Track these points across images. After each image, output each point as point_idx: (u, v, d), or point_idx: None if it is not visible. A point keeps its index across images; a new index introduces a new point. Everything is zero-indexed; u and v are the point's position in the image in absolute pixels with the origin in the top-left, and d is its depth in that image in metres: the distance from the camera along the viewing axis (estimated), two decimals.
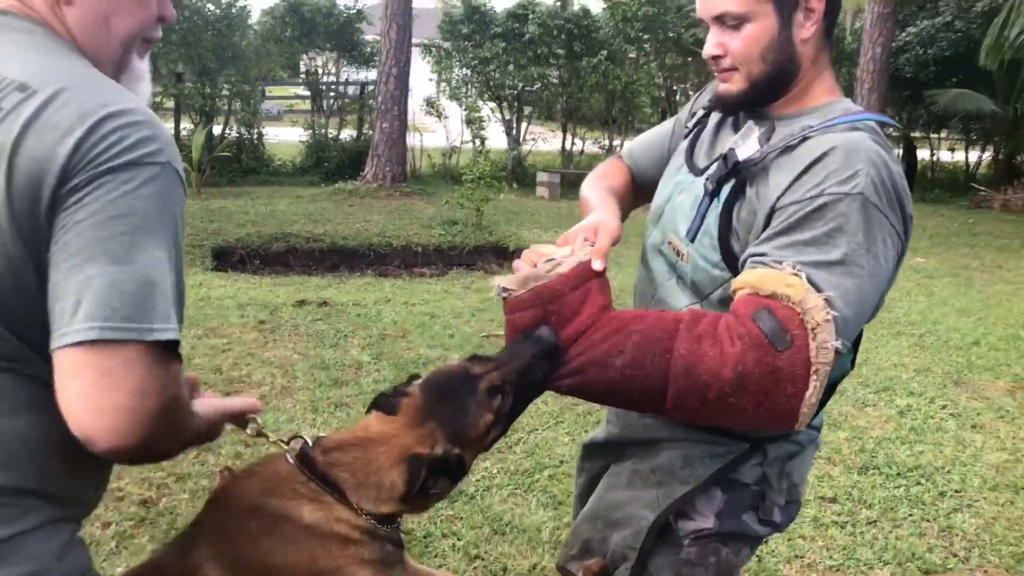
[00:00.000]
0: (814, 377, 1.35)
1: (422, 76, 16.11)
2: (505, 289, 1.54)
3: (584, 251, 1.54)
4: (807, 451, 1.76)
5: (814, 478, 4.00)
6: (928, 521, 3.67)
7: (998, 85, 14.88)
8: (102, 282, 1.06)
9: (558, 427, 4.52)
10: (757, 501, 1.69)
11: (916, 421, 4.80)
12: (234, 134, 15.69)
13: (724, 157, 1.61)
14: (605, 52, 15.79)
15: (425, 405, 1.52)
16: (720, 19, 1.57)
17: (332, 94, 17.24)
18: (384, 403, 1.59)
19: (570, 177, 15.17)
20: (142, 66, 1.35)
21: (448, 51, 16.39)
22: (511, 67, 16.20)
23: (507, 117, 16.70)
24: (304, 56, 16.79)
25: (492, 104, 16.53)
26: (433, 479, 1.46)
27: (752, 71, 1.58)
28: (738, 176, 1.58)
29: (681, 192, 1.72)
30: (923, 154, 18.56)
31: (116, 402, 1.06)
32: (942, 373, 5.69)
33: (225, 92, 15.53)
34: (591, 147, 17.49)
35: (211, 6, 14.81)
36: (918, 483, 4.02)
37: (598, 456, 1.95)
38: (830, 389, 1.62)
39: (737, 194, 1.58)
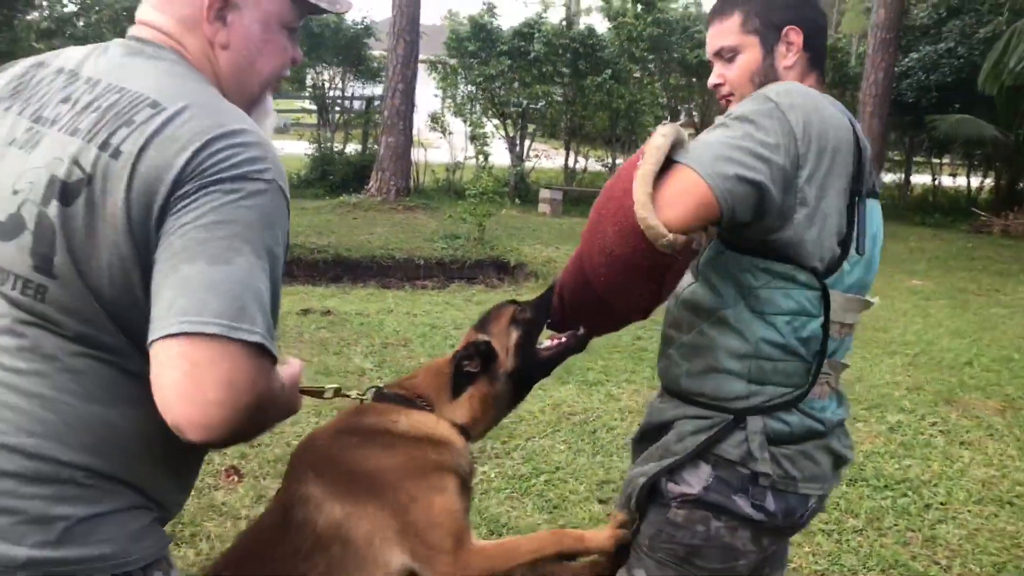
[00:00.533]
0: (640, 157, 1.54)
1: (428, 92, 16.31)
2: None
3: None
4: (807, 446, 1.77)
5: None
6: (913, 531, 3.76)
7: (1000, 111, 15.03)
8: (199, 280, 1.13)
9: (555, 435, 4.62)
10: (747, 484, 1.74)
11: (906, 437, 4.90)
12: None
13: None
14: (610, 71, 15.97)
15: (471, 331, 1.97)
16: (719, 54, 1.86)
17: (338, 108, 17.43)
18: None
19: (572, 194, 15.33)
20: (270, 102, 1.51)
21: (454, 68, 16.60)
22: (516, 84, 16.41)
23: (511, 134, 16.87)
24: (311, 70, 16.99)
25: (496, 121, 16.71)
26: (467, 360, 1.83)
27: (745, 94, 1.79)
28: None
29: None
30: (924, 179, 18.75)
31: (205, 393, 1.11)
32: (934, 392, 5.79)
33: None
34: (594, 165, 17.65)
35: None
36: (905, 495, 4.11)
37: (637, 448, 2.04)
38: (813, 360, 1.74)
39: None
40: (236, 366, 1.13)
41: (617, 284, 1.68)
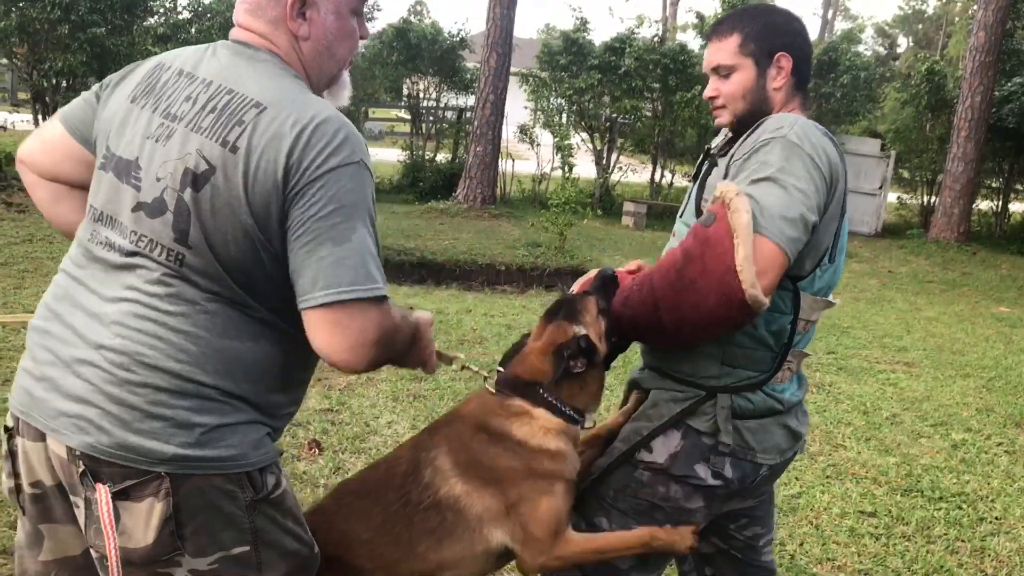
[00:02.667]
0: (736, 236, 1.74)
1: (518, 104, 16.63)
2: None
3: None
4: (767, 422, 2.02)
5: (856, 494, 4.21)
6: (962, 541, 3.84)
7: None
8: (331, 260, 1.49)
9: None
10: (709, 453, 2.00)
11: (968, 454, 4.93)
12: None
13: (704, 152, 2.18)
14: (700, 87, 16.02)
15: (543, 321, 2.11)
16: (716, 70, 2.10)
17: (431, 118, 17.90)
18: (511, 352, 2.15)
19: (657, 208, 15.43)
20: (347, 77, 1.83)
21: (545, 81, 16.87)
22: (605, 98, 16.59)
23: (598, 147, 17.07)
24: (407, 80, 17.51)
25: (584, 134, 16.93)
26: (573, 360, 1.97)
27: (736, 108, 2.07)
28: (710, 159, 2.12)
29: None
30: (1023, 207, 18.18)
31: (348, 342, 1.51)
32: (1004, 414, 5.77)
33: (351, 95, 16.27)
34: (680, 180, 17.71)
35: None
36: (959, 508, 4.18)
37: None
38: (779, 351, 2.01)
39: (710, 169, 2.09)
40: (365, 317, 1.52)
41: (695, 335, 1.93)
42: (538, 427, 1.95)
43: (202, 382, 1.54)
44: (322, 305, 1.49)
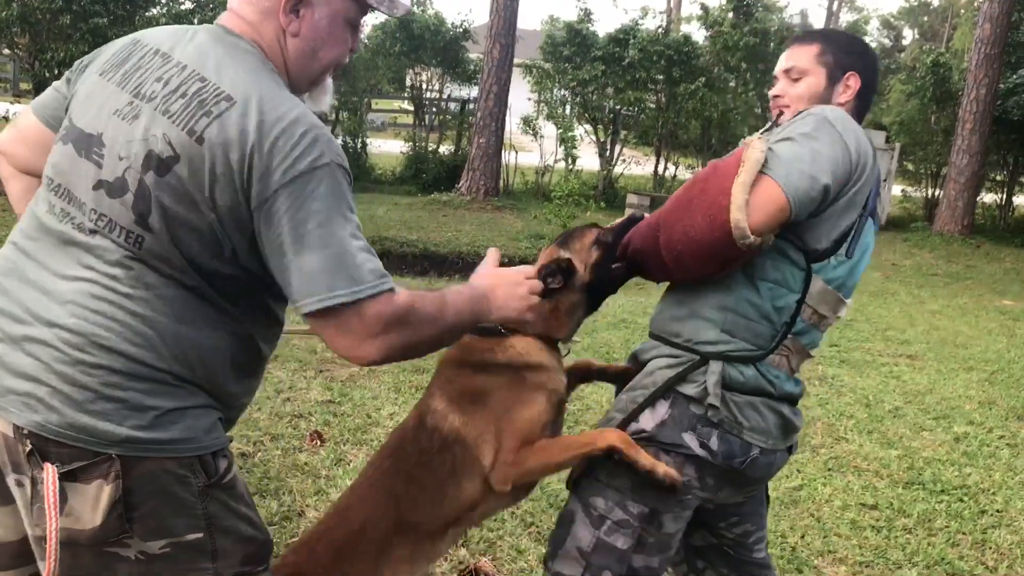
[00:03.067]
0: (743, 165, 1.84)
1: (521, 95, 16.60)
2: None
3: None
4: (757, 401, 2.03)
5: (858, 487, 4.21)
6: (963, 534, 3.84)
7: None
8: (314, 266, 1.49)
9: None
10: (696, 423, 2.01)
11: (971, 447, 4.93)
12: (340, 142, 16.47)
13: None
14: (703, 79, 15.99)
15: (546, 249, 2.24)
16: (788, 72, 2.19)
17: (434, 109, 17.88)
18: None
19: (660, 201, 15.37)
20: (330, 82, 1.81)
21: (548, 72, 16.84)
22: (609, 90, 16.56)
23: (601, 139, 17.04)
24: (410, 71, 17.49)
25: (588, 126, 16.90)
26: (552, 277, 2.07)
27: (798, 110, 2.12)
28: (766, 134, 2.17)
29: None
30: None
31: (352, 341, 1.53)
32: (1007, 407, 5.77)
33: (334, 102, 16.29)
34: (684, 173, 17.69)
35: None
36: (960, 500, 4.18)
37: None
38: (781, 328, 2.03)
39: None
40: (362, 315, 1.51)
41: (685, 259, 1.97)
42: (516, 348, 2.07)
43: (157, 367, 1.53)
44: (316, 312, 1.50)
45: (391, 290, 1.55)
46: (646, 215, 2.21)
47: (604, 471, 2.08)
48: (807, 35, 2.26)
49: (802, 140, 1.89)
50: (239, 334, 1.65)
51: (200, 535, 1.57)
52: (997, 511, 4.10)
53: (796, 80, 2.17)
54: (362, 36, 1.80)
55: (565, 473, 2.23)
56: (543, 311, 2.05)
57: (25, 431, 1.47)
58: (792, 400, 2.12)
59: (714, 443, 2.01)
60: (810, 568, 3.42)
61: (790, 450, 2.20)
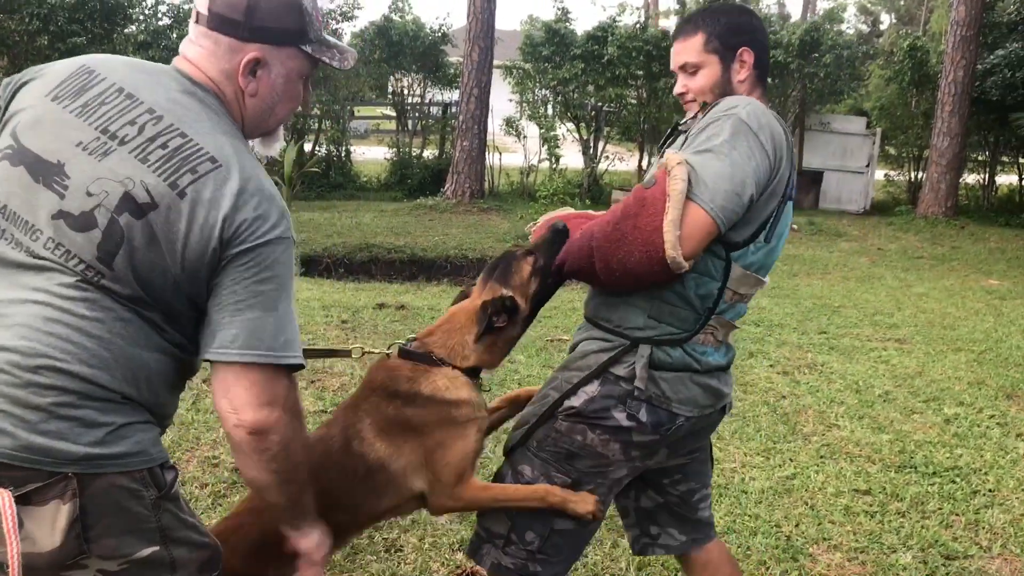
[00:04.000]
0: (669, 200, 1.89)
1: (503, 97, 16.62)
2: (531, 223, 2.48)
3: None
4: (683, 376, 2.13)
5: (850, 473, 4.24)
6: (957, 515, 3.87)
7: None
8: (257, 323, 1.58)
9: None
10: (625, 398, 2.12)
11: (961, 428, 4.97)
12: (323, 151, 16.48)
13: (672, 127, 2.34)
14: None
15: (484, 278, 2.28)
16: (683, 68, 2.23)
17: (416, 114, 17.88)
18: (461, 296, 2.35)
19: None
20: (281, 132, 1.91)
21: (528, 72, 16.85)
22: (590, 88, 16.59)
23: (584, 136, 17.07)
24: (391, 77, 17.48)
25: (570, 124, 16.93)
26: (496, 316, 2.15)
27: (706, 101, 2.18)
28: (675, 134, 2.28)
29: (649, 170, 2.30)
30: (1010, 179, 18.25)
31: (259, 400, 1.60)
32: (996, 387, 5.81)
33: (316, 111, 16.31)
34: None
35: None
36: (952, 482, 4.21)
37: None
38: (703, 313, 2.13)
39: (672, 142, 2.26)
40: (278, 381, 1.62)
41: (622, 282, 2.06)
42: (440, 383, 2.15)
43: (109, 387, 1.55)
44: (240, 363, 1.58)
45: (296, 382, 1.69)
46: (571, 213, 2.34)
47: (535, 441, 2.21)
48: (687, 26, 2.25)
49: (721, 152, 1.94)
50: (178, 360, 1.69)
51: (156, 548, 1.59)
52: (989, 491, 4.14)
53: (693, 74, 2.21)
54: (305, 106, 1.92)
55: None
56: (481, 346, 2.18)
57: None
58: (721, 369, 2.22)
59: (643, 415, 2.12)
60: (805, 556, 3.44)
61: (723, 410, 2.30)
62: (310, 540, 1.90)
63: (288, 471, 1.72)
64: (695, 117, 2.20)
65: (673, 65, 2.26)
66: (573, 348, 2.29)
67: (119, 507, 1.54)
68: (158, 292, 1.59)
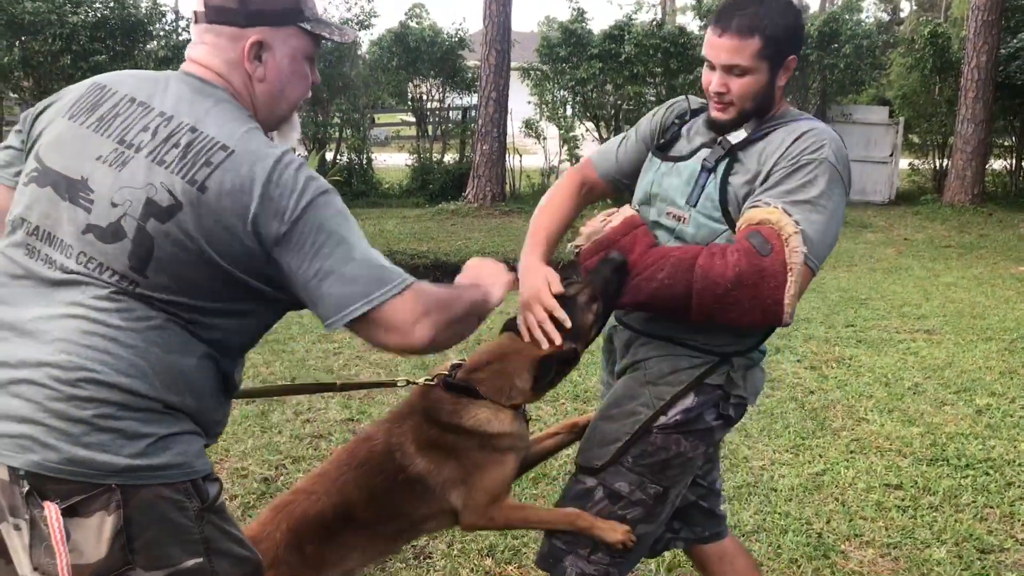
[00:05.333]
0: (790, 273, 1.96)
1: (521, 99, 16.61)
2: (576, 246, 2.32)
3: (626, 212, 2.28)
4: (757, 367, 2.31)
5: (881, 467, 4.21)
6: (991, 508, 3.82)
7: None
8: (350, 277, 1.60)
9: None
10: (719, 401, 2.23)
11: (993, 419, 4.90)
12: (345, 159, 16.56)
13: (719, 143, 2.18)
14: (701, 69, 15.89)
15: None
16: (729, 68, 2.10)
17: (436, 119, 17.92)
18: (514, 326, 2.26)
19: None
20: (297, 119, 1.89)
21: (546, 74, 16.83)
22: (608, 87, 16.54)
23: (604, 136, 17.03)
24: (410, 83, 17.53)
25: (590, 124, 16.90)
26: (558, 369, 2.17)
27: (745, 107, 2.15)
28: (732, 155, 2.18)
29: (666, 179, 2.27)
30: None
31: (403, 332, 1.64)
32: None
33: (336, 120, 16.41)
34: None
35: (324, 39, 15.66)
36: (986, 474, 4.16)
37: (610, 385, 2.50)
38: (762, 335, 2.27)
39: (731, 166, 2.18)
40: (402, 307, 1.63)
41: (715, 325, 2.12)
42: (481, 417, 2.17)
43: (149, 396, 1.56)
44: (361, 316, 1.61)
45: (414, 280, 1.69)
46: (606, 225, 2.28)
47: (629, 458, 2.22)
48: (742, 23, 2.06)
49: (821, 206, 2.02)
50: (219, 365, 1.70)
51: (200, 560, 1.60)
52: None
53: (739, 76, 2.09)
54: (315, 84, 1.89)
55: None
56: (532, 393, 2.20)
57: (22, 472, 1.49)
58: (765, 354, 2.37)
59: (732, 412, 2.27)
60: (837, 553, 3.42)
61: None
62: (499, 284, 1.99)
63: (463, 321, 1.79)
64: (729, 124, 2.16)
65: (714, 58, 2.11)
66: (636, 364, 2.31)
67: (163, 518, 1.56)
68: (202, 291, 1.60)
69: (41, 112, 1.76)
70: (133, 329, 1.57)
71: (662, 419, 2.20)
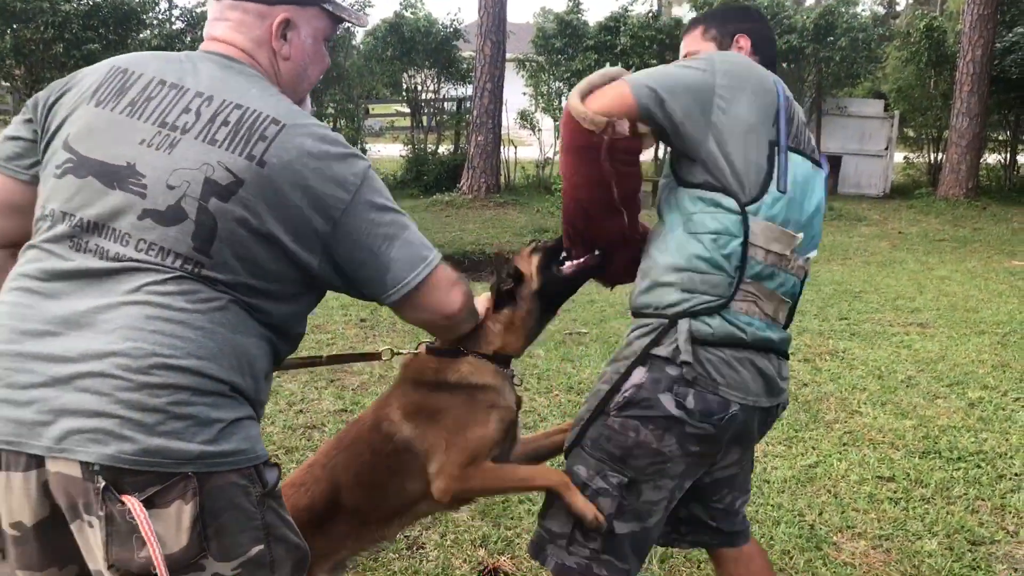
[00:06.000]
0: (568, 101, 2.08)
1: (516, 90, 16.59)
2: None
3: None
4: (727, 353, 2.05)
5: (874, 460, 4.21)
6: (983, 500, 3.83)
7: None
8: (407, 247, 1.70)
9: None
10: (673, 383, 2.04)
11: (986, 412, 4.92)
12: None
13: None
14: None
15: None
16: (686, 58, 2.28)
17: (431, 110, 17.88)
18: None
19: None
20: (308, 99, 1.94)
21: (542, 65, 16.81)
22: None
23: None
24: (404, 74, 17.48)
25: None
26: (503, 282, 2.25)
27: None
28: None
29: None
30: None
31: (443, 295, 1.80)
32: (1021, 369, 5.74)
33: (331, 110, 16.36)
34: None
35: None
36: (978, 466, 4.17)
37: None
38: (735, 275, 2.09)
39: None
40: (443, 272, 1.79)
41: (577, 180, 2.15)
42: (465, 369, 2.22)
43: (219, 378, 1.55)
44: (419, 283, 1.72)
45: (446, 265, 1.82)
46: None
47: (588, 440, 2.16)
48: (690, 24, 2.45)
49: (664, 67, 2.11)
50: (276, 343, 1.70)
51: (261, 547, 1.59)
52: (1015, 475, 4.10)
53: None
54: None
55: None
56: (499, 325, 2.23)
57: (96, 467, 1.44)
58: (774, 348, 2.13)
59: (690, 402, 2.04)
60: (829, 545, 3.42)
61: (780, 407, 2.23)
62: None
63: (471, 308, 1.98)
64: None
65: (680, 59, 2.32)
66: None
67: (233, 504, 1.54)
68: (259, 273, 1.60)
69: (57, 99, 1.70)
70: (199, 311, 1.55)
71: (616, 397, 2.11)
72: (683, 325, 2.04)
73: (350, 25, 1.90)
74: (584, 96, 2.05)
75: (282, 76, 1.78)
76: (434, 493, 2.15)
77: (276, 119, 1.60)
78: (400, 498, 2.23)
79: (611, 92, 2.04)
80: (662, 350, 2.06)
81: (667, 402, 2.05)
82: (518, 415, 2.30)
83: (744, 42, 2.30)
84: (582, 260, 2.25)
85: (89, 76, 1.71)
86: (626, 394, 2.09)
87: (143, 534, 1.44)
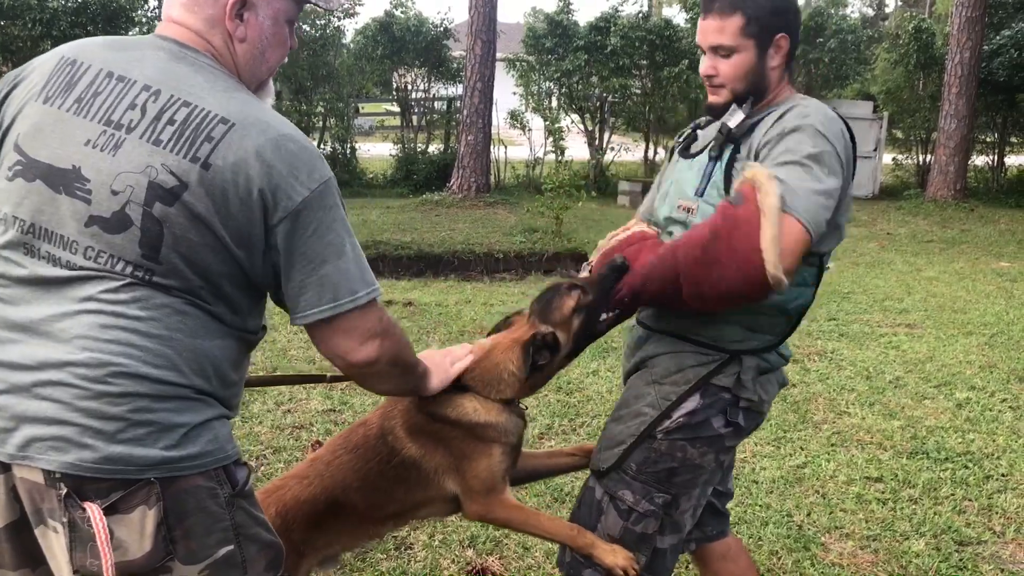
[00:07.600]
0: (764, 217, 1.81)
1: (507, 90, 16.57)
2: (587, 263, 2.37)
3: (638, 227, 2.29)
4: (774, 375, 2.20)
5: (862, 460, 4.22)
6: (970, 500, 3.84)
7: None
8: (336, 275, 1.58)
9: None
10: (727, 406, 2.12)
11: (973, 413, 4.94)
12: (329, 149, 16.46)
13: (720, 131, 2.12)
14: (687, 61, 15.96)
15: (528, 311, 2.27)
16: (715, 49, 2.09)
17: (421, 109, 17.85)
18: (502, 324, 2.36)
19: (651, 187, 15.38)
20: (271, 84, 1.84)
21: (532, 65, 16.80)
22: (594, 79, 16.53)
23: (589, 128, 17.01)
24: (395, 73, 17.44)
25: (575, 116, 16.88)
26: (538, 354, 2.14)
27: (736, 88, 2.10)
28: (733, 140, 2.10)
29: (681, 173, 2.22)
30: (1019, 160, 18.11)
31: (355, 341, 1.64)
32: (1007, 370, 5.77)
33: (320, 109, 16.31)
34: None
35: (307, 27, 15.61)
36: (965, 467, 4.18)
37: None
38: (796, 318, 2.13)
39: (734, 153, 2.10)
40: (367, 316, 1.63)
41: (709, 305, 2.00)
42: (467, 408, 2.17)
43: (179, 383, 1.53)
44: (331, 317, 1.59)
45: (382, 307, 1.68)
46: (617, 239, 2.26)
47: (633, 464, 2.16)
48: (724, 4, 2.06)
49: (807, 165, 1.89)
50: (239, 342, 1.67)
51: (231, 547, 1.58)
52: (1002, 475, 4.11)
53: (725, 56, 2.08)
54: (292, 49, 1.82)
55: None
56: (518, 383, 2.18)
57: (58, 474, 1.45)
58: (787, 360, 2.27)
59: (742, 420, 2.14)
60: (817, 545, 3.43)
61: None
62: (439, 379, 2.06)
63: (403, 369, 1.83)
64: (722, 107, 2.11)
65: (702, 42, 2.11)
66: (644, 362, 2.23)
67: (199, 507, 1.53)
68: (212, 274, 1.54)
69: (8, 94, 1.66)
70: (153, 318, 1.51)
71: (666, 422, 2.11)
72: (749, 362, 2.12)
73: (322, 11, 1.79)
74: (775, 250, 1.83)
75: (238, 59, 1.68)
76: (464, 514, 2.23)
77: (225, 118, 1.53)
78: (402, 504, 2.24)
79: (798, 247, 1.84)
80: (721, 380, 2.12)
81: (717, 423, 2.13)
82: (523, 435, 2.28)
83: (785, 43, 2.09)
84: (615, 314, 2.18)
85: (38, 69, 1.65)
86: (679, 420, 2.12)
87: (98, 542, 1.45)
